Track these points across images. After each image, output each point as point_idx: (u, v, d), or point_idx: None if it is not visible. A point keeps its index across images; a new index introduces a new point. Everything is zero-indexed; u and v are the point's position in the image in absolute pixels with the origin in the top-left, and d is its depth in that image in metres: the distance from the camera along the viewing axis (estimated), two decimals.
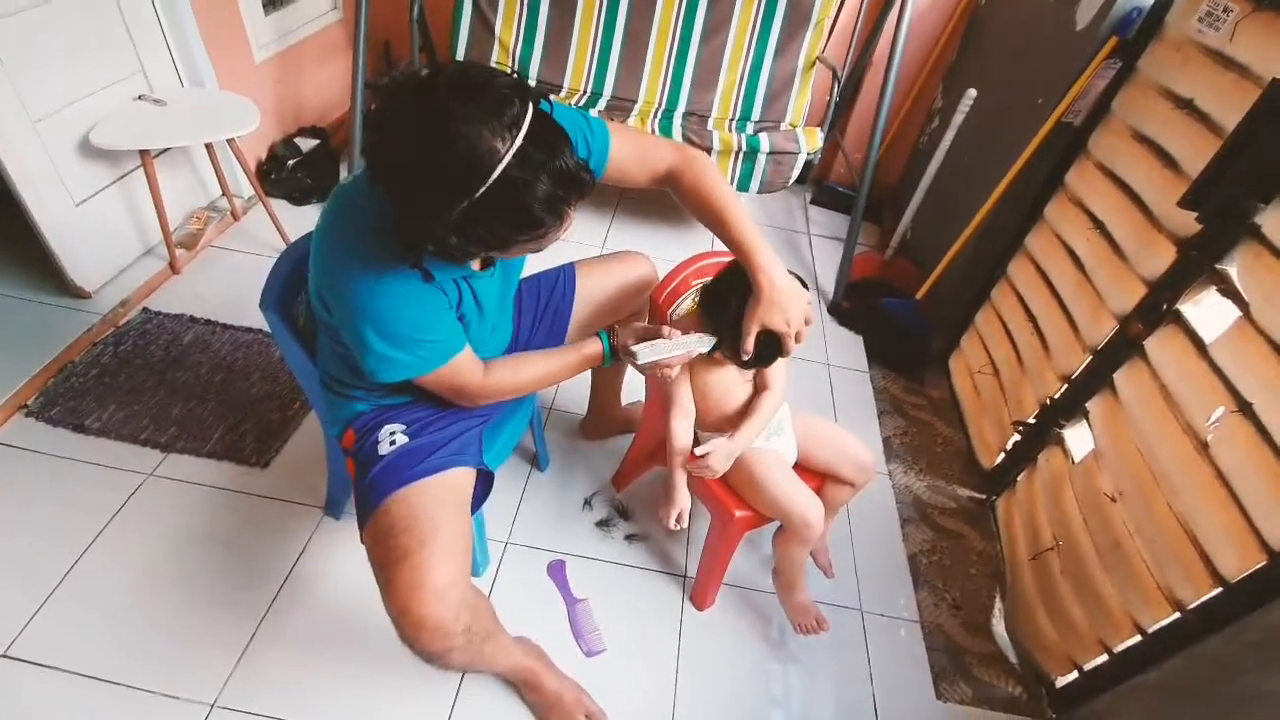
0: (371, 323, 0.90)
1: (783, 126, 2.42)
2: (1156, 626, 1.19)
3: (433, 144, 0.72)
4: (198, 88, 2.11)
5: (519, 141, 0.73)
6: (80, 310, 1.86)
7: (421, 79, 0.73)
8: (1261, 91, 1.12)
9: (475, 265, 1.00)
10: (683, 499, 1.23)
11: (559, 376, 1.13)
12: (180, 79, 2.09)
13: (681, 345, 1.09)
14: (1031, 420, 1.68)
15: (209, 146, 2.11)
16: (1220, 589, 1.08)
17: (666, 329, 1.11)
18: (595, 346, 1.14)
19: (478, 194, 0.73)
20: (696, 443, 1.30)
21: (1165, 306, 1.33)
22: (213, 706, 1.20)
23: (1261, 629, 0.99)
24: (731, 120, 2.47)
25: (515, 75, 0.77)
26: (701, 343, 1.11)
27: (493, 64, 2.46)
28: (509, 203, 0.75)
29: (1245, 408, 1.10)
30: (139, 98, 1.93)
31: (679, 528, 1.23)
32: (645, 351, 1.06)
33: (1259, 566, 1.02)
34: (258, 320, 1.83)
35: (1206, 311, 1.26)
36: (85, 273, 1.89)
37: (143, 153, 1.83)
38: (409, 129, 0.73)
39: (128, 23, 1.88)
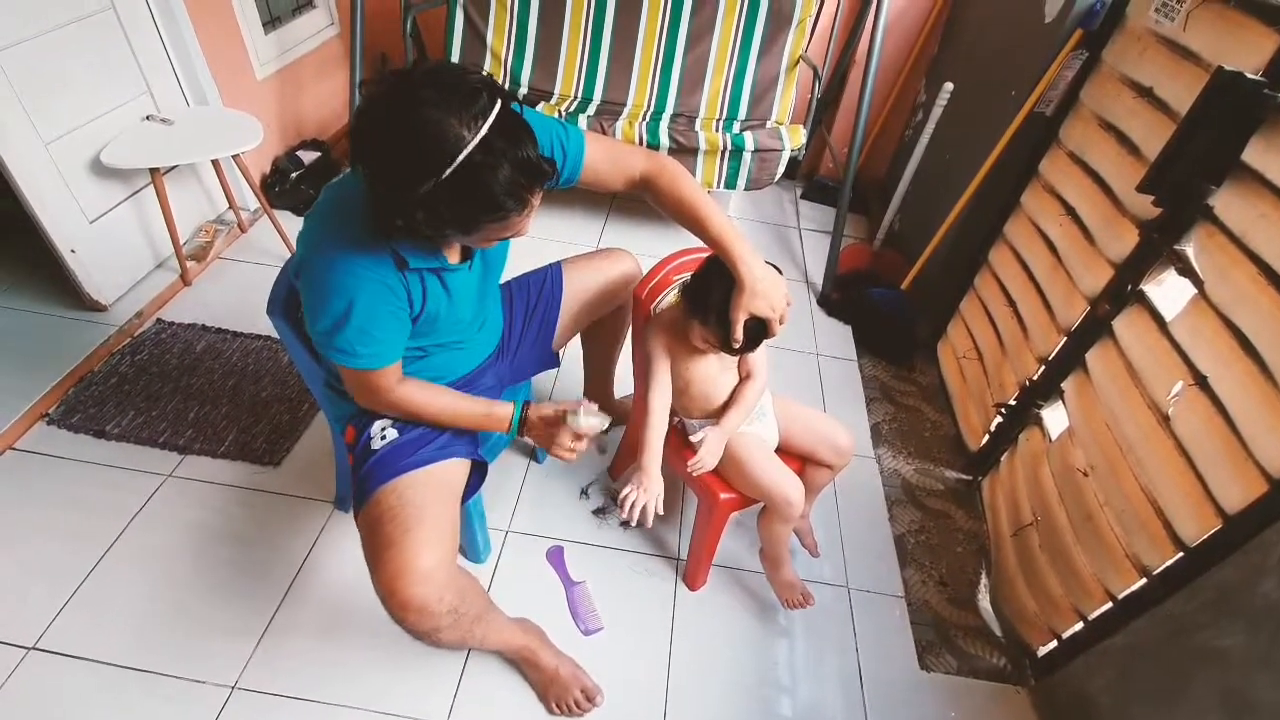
0: (335, 293, 0.94)
1: (768, 125, 2.48)
2: (1125, 592, 1.25)
3: (405, 126, 0.79)
4: (202, 106, 2.20)
5: (484, 131, 0.80)
6: (97, 323, 1.94)
7: (400, 72, 0.82)
8: (1208, 78, 1.17)
9: (453, 258, 1.05)
10: (655, 485, 1.19)
11: (459, 420, 1.13)
12: (185, 98, 2.18)
13: (586, 424, 1.12)
14: (1012, 402, 1.73)
15: (215, 162, 2.19)
16: (1181, 554, 1.14)
17: (568, 414, 1.13)
18: (506, 410, 1.15)
19: (444, 174, 0.80)
20: (681, 429, 1.38)
21: (1130, 287, 1.38)
22: (234, 688, 1.27)
23: (1214, 587, 1.05)
24: (718, 121, 2.53)
25: (487, 76, 0.85)
26: (602, 422, 1.14)
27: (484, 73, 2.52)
28: (473, 185, 0.82)
29: (1201, 381, 1.16)
30: (147, 118, 2.01)
31: (642, 522, 1.17)
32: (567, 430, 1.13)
33: (1214, 530, 1.08)
34: (266, 328, 1.92)
35: (1167, 291, 1.31)
36: (101, 287, 1.97)
37: (152, 170, 1.91)
38: (385, 113, 0.81)
39: (133, 46, 1.97)
